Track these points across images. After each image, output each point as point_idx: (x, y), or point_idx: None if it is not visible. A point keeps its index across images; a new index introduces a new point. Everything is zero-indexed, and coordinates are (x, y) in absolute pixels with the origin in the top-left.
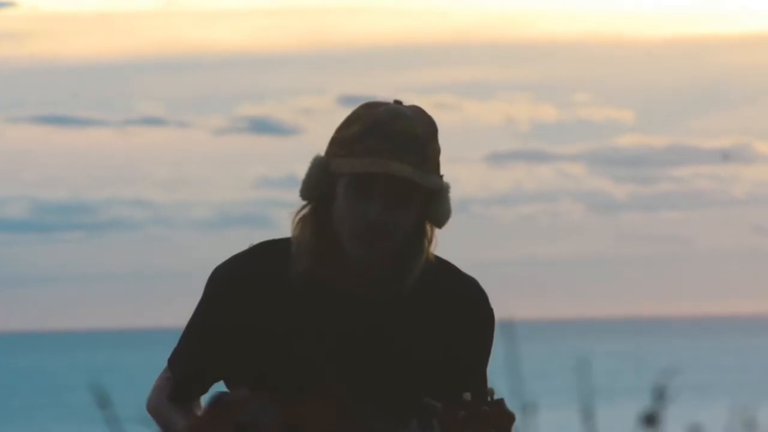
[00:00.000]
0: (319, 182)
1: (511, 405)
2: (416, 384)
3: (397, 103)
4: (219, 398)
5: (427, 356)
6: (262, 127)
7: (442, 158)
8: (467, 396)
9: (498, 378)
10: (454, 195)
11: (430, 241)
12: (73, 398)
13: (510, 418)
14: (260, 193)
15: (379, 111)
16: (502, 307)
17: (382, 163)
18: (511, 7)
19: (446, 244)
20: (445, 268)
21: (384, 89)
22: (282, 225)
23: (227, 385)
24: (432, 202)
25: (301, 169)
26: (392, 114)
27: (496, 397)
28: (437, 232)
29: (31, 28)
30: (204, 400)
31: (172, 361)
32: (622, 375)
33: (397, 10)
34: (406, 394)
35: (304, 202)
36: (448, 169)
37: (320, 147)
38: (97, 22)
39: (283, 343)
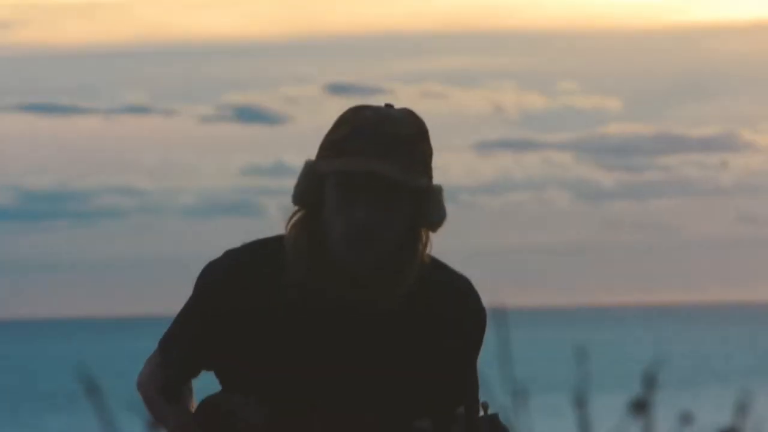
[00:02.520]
0: (310, 187)
1: (502, 392)
2: (412, 392)
3: (388, 106)
4: (206, 403)
5: (421, 363)
6: (249, 115)
7: (431, 146)
8: (461, 410)
9: (489, 366)
10: (441, 183)
11: (424, 246)
12: (61, 386)
13: (504, 431)
14: (247, 181)
15: (367, 114)
16: (493, 295)
17: (366, 162)
18: None
19: (437, 233)
20: (437, 269)
21: (371, 78)
22: (270, 212)
23: (217, 377)
24: (423, 204)
25: (289, 158)
26: (380, 116)
27: (490, 411)
28: (432, 243)
29: (16, 16)
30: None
31: (163, 348)
32: (609, 363)
33: None
34: (400, 403)
35: (296, 208)
36: (435, 158)
37: (308, 135)
38: (83, 10)
39: (274, 349)
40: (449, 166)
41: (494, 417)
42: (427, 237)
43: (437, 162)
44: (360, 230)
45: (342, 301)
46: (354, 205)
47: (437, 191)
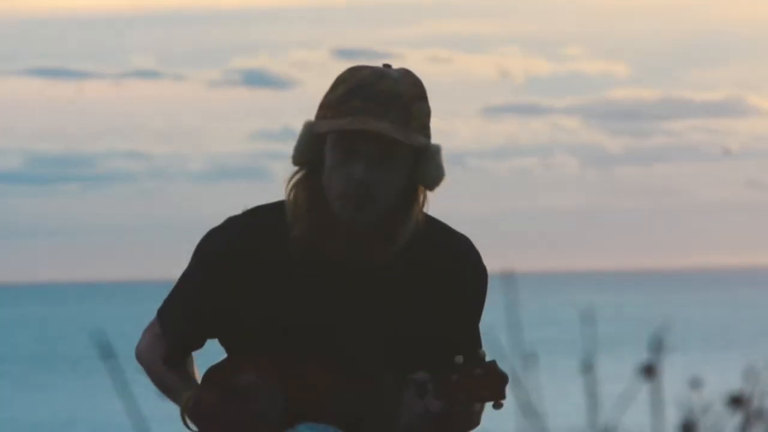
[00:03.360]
0: (309, 147)
1: (511, 356)
2: (412, 346)
3: (386, 66)
4: (214, 369)
5: (422, 317)
6: (257, 80)
7: (437, 112)
8: (459, 359)
9: (498, 330)
10: (449, 148)
11: (421, 205)
12: (71, 350)
13: (503, 379)
14: (255, 146)
15: (364, 73)
16: (501, 259)
17: (363, 120)
18: None
19: (440, 197)
20: (435, 227)
21: (378, 43)
22: (278, 177)
23: (222, 344)
24: (420, 163)
25: (297, 122)
26: (377, 75)
27: (487, 358)
28: (431, 194)
29: None
30: (197, 356)
31: (163, 317)
32: (615, 327)
33: None
34: (402, 358)
35: (296, 168)
36: (442, 123)
37: (315, 100)
38: None
39: (277, 309)
40: (456, 131)
41: (492, 364)
42: (425, 196)
43: (444, 127)
44: (358, 188)
45: (341, 257)
46: (352, 164)
47: (435, 150)
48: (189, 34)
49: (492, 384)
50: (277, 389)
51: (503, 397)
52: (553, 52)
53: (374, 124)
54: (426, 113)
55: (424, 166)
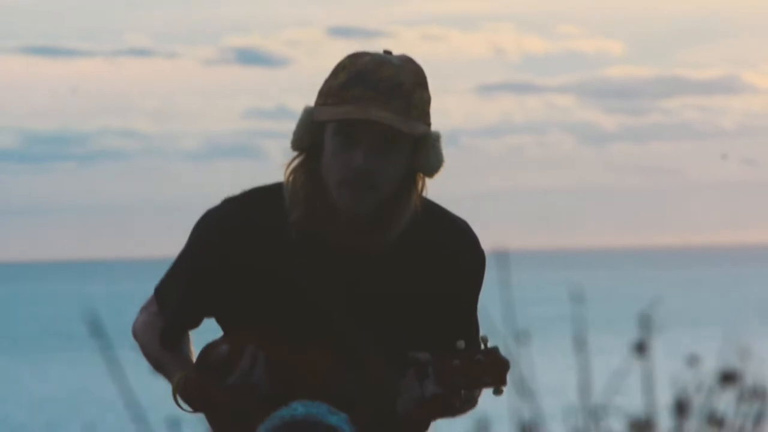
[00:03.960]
0: (308, 132)
1: (505, 333)
2: (410, 331)
3: (387, 53)
4: (208, 351)
5: (420, 302)
6: (250, 58)
7: (430, 89)
8: (461, 344)
9: (491, 308)
10: (443, 126)
11: (419, 192)
12: (64, 328)
13: (504, 365)
14: (249, 124)
15: (364, 60)
16: (494, 237)
17: (364, 109)
18: None
19: (435, 176)
20: (434, 211)
21: (371, 21)
22: (271, 156)
23: (219, 323)
24: (420, 151)
25: (290, 101)
26: (377, 63)
27: (490, 344)
28: (428, 189)
29: None
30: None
31: (160, 296)
32: (609, 305)
33: None
34: (399, 342)
35: (295, 153)
36: (436, 102)
37: (309, 78)
38: None
39: (274, 292)
40: (450, 109)
41: (494, 350)
42: (423, 183)
43: (438, 105)
44: (358, 175)
45: (339, 243)
46: (353, 152)
47: (435, 138)
48: (182, 11)
49: (493, 370)
50: (266, 367)
51: (504, 383)
52: (548, 30)
53: (375, 114)
54: (426, 101)
55: (424, 154)
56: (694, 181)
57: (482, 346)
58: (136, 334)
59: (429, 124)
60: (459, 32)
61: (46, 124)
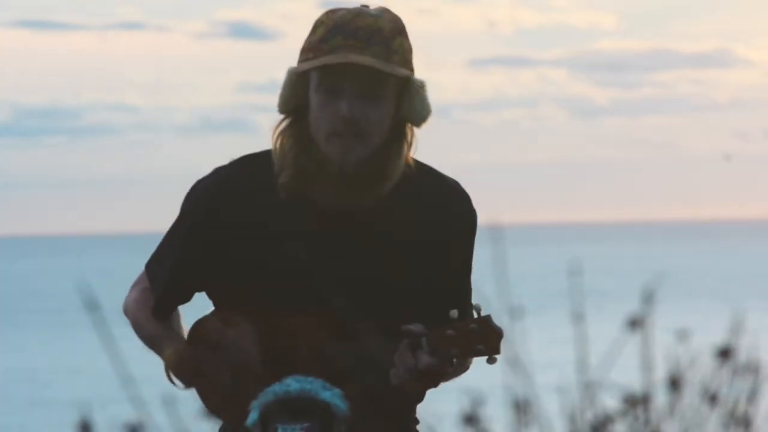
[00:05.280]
0: (294, 93)
1: (499, 308)
2: (402, 293)
3: (363, 6)
4: (199, 324)
5: (413, 262)
6: (242, 31)
7: (423, 63)
8: (454, 313)
9: (485, 283)
10: (436, 100)
11: (409, 144)
12: (59, 302)
13: (498, 334)
14: (241, 98)
15: (341, 13)
16: (488, 211)
17: (346, 56)
18: None
19: (428, 149)
20: (425, 169)
21: None
22: (264, 130)
23: (209, 296)
24: (405, 99)
25: (282, 74)
26: (354, 14)
27: (483, 312)
28: (419, 138)
29: None
30: (184, 310)
31: (150, 271)
32: (601, 278)
33: None
34: (391, 305)
35: (282, 116)
36: (429, 75)
37: (300, 53)
38: None
39: (266, 257)
40: (443, 83)
41: (487, 318)
42: (412, 133)
43: (431, 79)
44: (346, 123)
45: (330, 202)
46: (337, 102)
47: (420, 85)
48: None
49: (487, 339)
50: (257, 339)
51: (498, 352)
52: (541, 3)
53: (356, 58)
54: (408, 49)
55: (410, 102)
56: (687, 155)
57: (475, 315)
58: (127, 311)
59: (413, 71)
60: (452, 6)
61: (38, 98)
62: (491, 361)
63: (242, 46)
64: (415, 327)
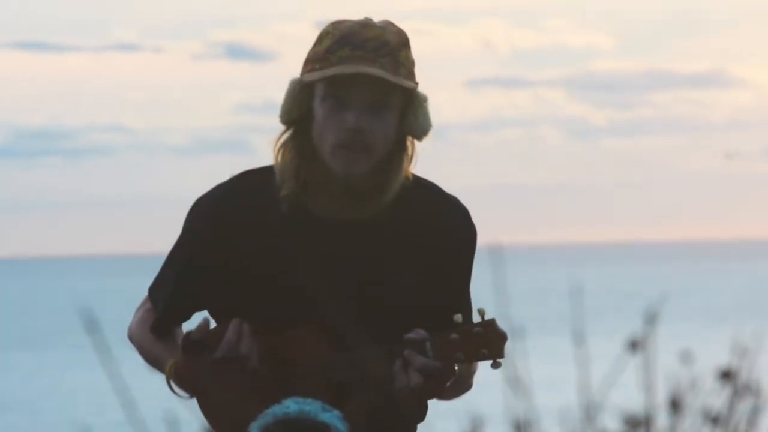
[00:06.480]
0: (297, 104)
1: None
2: (402, 307)
3: (367, 19)
4: (190, 336)
5: (412, 276)
6: (238, 52)
7: (420, 84)
8: (458, 318)
9: (485, 304)
10: (432, 120)
11: (410, 158)
12: (56, 323)
13: (502, 337)
14: (238, 119)
15: (347, 24)
16: (488, 232)
17: (352, 66)
18: None
19: (424, 169)
20: (425, 185)
21: (360, 14)
22: (261, 151)
23: (211, 314)
24: (409, 113)
25: (278, 95)
26: (361, 25)
27: (487, 317)
28: (418, 155)
29: None
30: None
31: (153, 292)
32: (599, 299)
33: None
34: (393, 319)
35: (284, 128)
36: (418, 84)
37: (298, 73)
38: None
39: (267, 271)
40: (439, 104)
41: (492, 322)
42: (413, 147)
43: (428, 100)
44: (353, 135)
45: (331, 213)
46: (344, 113)
47: (423, 99)
48: (169, 6)
49: (491, 342)
50: (254, 338)
51: (502, 355)
52: (537, 23)
53: (367, 69)
54: (412, 62)
55: (413, 115)
56: (683, 175)
57: (480, 319)
58: (131, 333)
59: (417, 84)
60: (447, 27)
61: (34, 120)
62: (495, 365)
63: (238, 66)
64: (417, 332)
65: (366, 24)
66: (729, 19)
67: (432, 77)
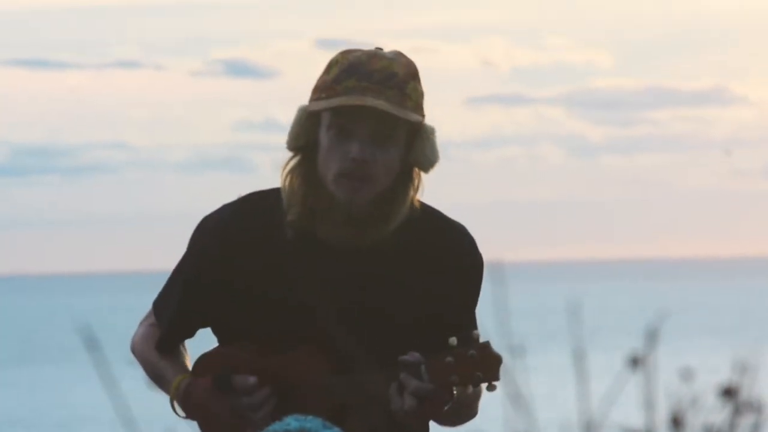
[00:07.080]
0: (304, 131)
1: (499, 347)
2: (405, 332)
3: (378, 49)
4: (203, 357)
5: (415, 300)
6: (239, 70)
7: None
8: (453, 341)
9: (486, 321)
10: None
11: (415, 188)
12: (56, 341)
13: (497, 360)
14: (238, 137)
15: (356, 54)
16: (488, 249)
17: (360, 98)
18: None
19: (425, 187)
20: (431, 212)
21: (360, 33)
22: (262, 168)
23: (214, 332)
24: (415, 144)
25: (279, 113)
26: (369, 55)
27: (482, 339)
28: (424, 179)
29: None
30: (189, 344)
31: (157, 307)
32: (598, 317)
33: None
34: (395, 343)
35: (291, 154)
36: (426, 113)
37: (298, 90)
38: None
39: (271, 291)
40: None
41: (486, 345)
42: (419, 178)
43: (428, 117)
44: (356, 165)
45: (336, 241)
46: (348, 143)
47: (430, 131)
48: (170, 23)
49: (486, 365)
50: (271, 389)
51: (497, 378)
52: (536, 41)
53: (371, 101)
54: (420, 94)
55: (419, 147)
56: (684, 193)
57: (475, 342)
58: (134, 347)
59: (424, 117)
60: (447, 44)
61: (34, 137)
62: (491, 387)
63: (239, 84)
64: (412, 355)
65: (374, 54)
66: (730, 36)
67: (432, 95)
